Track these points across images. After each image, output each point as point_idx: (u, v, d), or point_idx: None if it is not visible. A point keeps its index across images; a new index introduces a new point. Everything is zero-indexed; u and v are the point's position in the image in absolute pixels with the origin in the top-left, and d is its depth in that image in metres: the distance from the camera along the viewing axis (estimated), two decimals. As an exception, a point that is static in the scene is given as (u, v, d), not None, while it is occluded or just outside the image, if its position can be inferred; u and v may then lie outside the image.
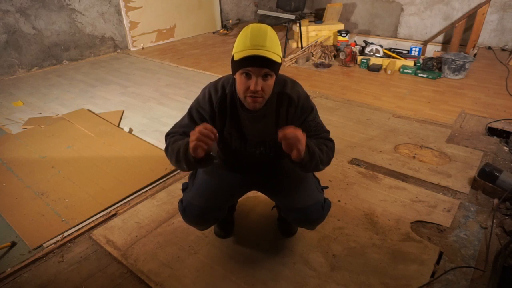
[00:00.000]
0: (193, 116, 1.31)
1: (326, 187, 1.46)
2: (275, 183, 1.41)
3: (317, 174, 1.52)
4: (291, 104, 1.28)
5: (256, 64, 1.10)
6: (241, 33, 1.15)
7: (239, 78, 1.16)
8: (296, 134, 1.06)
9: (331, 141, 1.33)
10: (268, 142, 1.35)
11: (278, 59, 1.12)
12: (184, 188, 1.43)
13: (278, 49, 1.14)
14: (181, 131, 1.33)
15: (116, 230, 1.74)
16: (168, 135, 1.36)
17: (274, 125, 1.31)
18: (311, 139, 1.24)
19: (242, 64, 1.11)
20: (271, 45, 1.11)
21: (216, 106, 1.27)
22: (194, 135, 1.07)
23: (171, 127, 1.37)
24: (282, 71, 4.33)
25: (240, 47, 1.12)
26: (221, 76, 1.38)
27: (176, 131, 1.34)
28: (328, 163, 1.27)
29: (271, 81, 1.16)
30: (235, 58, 1.13)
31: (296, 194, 1.34)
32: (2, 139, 2.62)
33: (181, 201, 1.39)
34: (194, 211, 1.34)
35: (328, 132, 1.35)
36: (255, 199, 1.89)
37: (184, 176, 2.13)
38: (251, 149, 1.36)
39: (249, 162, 1.42)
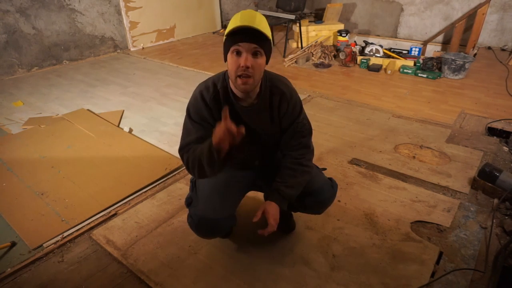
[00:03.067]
0: (195, 120, 1.28)
1: (325, 169, 1.58)
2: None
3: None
4: (284, 99, 1.30)
5: (246, 37, 1.11)
6: (233, 17, 1.17)
7: (230, 58, 1.16)
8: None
9: (309, 148, 1.38)
10: (264, 135, 1.36)
11: (267, 34, 1.14)
12: (189, 202, 1.42)
13: (267, 29, 1.15)
14: (196, 139, 1.26)
15: (116, 230, 1.74)
16: (183, 150, 1.28)
17: (269, 119, 1.33)
18: (290, 142, 1.35)
19: (232, 40, 1.13)
20: (260, 24, 1.12)
21: (210, 103, 1.26)
22: (220, 128, 1.04)
23: (181, 142, 1.30)
24: (282, 71, 4.33)
25: (230, 26, 1.13)
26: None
27: (190, 141, 1.26)
28: (307, 178, 1.36)
29: (261, 60, 1.16)
30: (226, 34, 1.14)
31: None
32: (2, 139, 2.62)
33: (190, 216, 1.38)
34: (209, 224, 1.35)
35: (310, 133, 1.39)
36: (255, 199, 1.89)
37: (184, 176, 2.13)
38: (247, 141, 1.36)
39: (247, 155, 1.42)
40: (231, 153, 1.12)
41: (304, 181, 1.36)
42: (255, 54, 1.13)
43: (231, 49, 1.14)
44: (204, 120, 1.29)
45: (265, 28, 1.14)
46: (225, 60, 1.19)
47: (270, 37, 1.17)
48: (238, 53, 1.13)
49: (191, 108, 1.30)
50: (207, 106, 1.27)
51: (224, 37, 1.16)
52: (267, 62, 1.21)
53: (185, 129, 1.31)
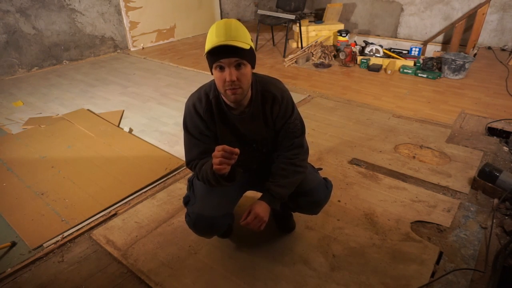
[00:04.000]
0: (193, 135, 1.31)
1: (321, 169, 1.59)
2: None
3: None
4: (276, 102, 1.30)
5: (224, 54, 1.11)
6: (209, 31, 1.17)
7: (215, 73, 1.17)
8: (257, 223, 1.28)
9: (303, 148, 1.37)
10: (260, 140, 1.36)
11: (244, 45, 1.12)
12: (186, 201, 1.43)
13: (245, 37, 1.14)
14: (198, 155, 1.32)
15: (116, 230, 1.74)
16: (189, 165, 1.35)
17: (263, 124, 1.33)
18: (283, 141, 1.34)
19: (212, 58, 1.14)
20: (237, 34, 1.12)
21: (204, 115, 1.28)
22: (216, 157, 1.10)
23: (185, 155, 1.36)
24: (282, 71, 4.30)
25: (208, 43, 1.14)
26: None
27: (193, 157, 1.33)
28: (300, 176, 1.34)
29: (246, 70, 1.16)
30: (204, 53, 1.15)
31: None
32: (2, 139, 2.63)
33: (187, 214, 1.39)
34: (206, 222, 1.35)
35: (303, 133, 1.38)
36: (254, 199, 1.89)
37: (184, 176, 2.13)
38: (244, 147, 1.37)
39: (244, 158, 1.42)
40: (233, 169, 1.19)
41: (297, 181, 1.35)
42: (238, 66, 1.14)
43: (214, 65, 1.15)
44: (202, 133, 1.31)
45: (243, 37, 1.13)
46: (211, 73, 1.21)
47: (250, 43, 1.16)
48: (222, 68, 1.14)
49: (187, 122, 1.32)
50: (202, 119, 1.29)
51: (205, 55, 1.17)
52: (253, 67, 1.22)
53: (186, 144, 1.35)
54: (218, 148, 1.10)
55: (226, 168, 1.11)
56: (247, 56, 1.15)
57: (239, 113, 1.30)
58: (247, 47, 1.13)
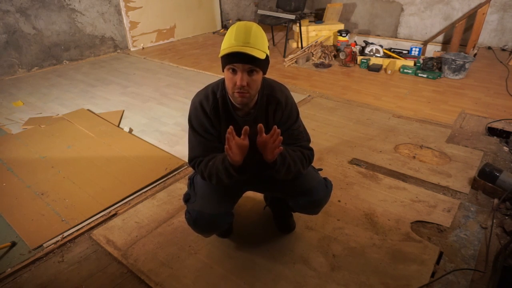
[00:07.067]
0: (198, 132, 1.32)
1: (321, 169, 1.56)
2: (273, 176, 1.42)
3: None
4: (279, 107, 1.31)
5: (239, 59, 1.12)
6: (228, 31, 1.18)
7: (226, 74, 1.19)
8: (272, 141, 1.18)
9: (309, 149, 1.37)
10: None
11: (261, 55, 1.13)
12: (187, 199, 1.43)
13: (263, 45, 1.15)
14: (202, 152, 1.32)
15: (116, 230, 1.74)
16: (192, 162, 1.34)
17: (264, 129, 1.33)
18: (288, 146, 1.30)
19: (227, 60, 1.15)
20: (255, 41, 1.13)
21: (210, 113, 1.29)
22: (233, 147, 1.15)
23: (189, 154, 1.36)
24: (282, 71, 4.31)
25: (225, 44, 1.15)
26: (214, 77, 1.39)
27: (197, 155, 1.32)
28: (302, 168, 1.32)
29: (257, 76, 1.18)
30: (220, 55, 1.16)
31: (298, 178, 1.36)
32: (2, 139, 2.63)
33: (187, 212, 1.39)
34: (206, 220, 1.34)
35: (309, 140, 1.39)
36: (254, 200, 1.89)
37: (184, 176, 2.13)
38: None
39: (245, 159, 1.43)
40: (245, 162, 1.20)
41: (300, 161, 1.29)
42: (250, 72, 1.15)
43: (227, 66, 1.16)
44: (206, 131, 1.31)
45: (261, 44, 1.14)
46: (222, 70, 1.21)
47: (267, 51, 1.18)
48: (234, 71, 1.15)
49: (193, 119, 1.32)
50: (207, 116, 1.30)
51: (220, 55, 1.17)
52: (265, 73, 1.23)
53: (190, 140, 1.35)
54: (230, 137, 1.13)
55: (240, 159, 1.16)
56: (261, 64, 1.16)
57: (244, 114, 1.31)
58: (263, 56, 1.14)
